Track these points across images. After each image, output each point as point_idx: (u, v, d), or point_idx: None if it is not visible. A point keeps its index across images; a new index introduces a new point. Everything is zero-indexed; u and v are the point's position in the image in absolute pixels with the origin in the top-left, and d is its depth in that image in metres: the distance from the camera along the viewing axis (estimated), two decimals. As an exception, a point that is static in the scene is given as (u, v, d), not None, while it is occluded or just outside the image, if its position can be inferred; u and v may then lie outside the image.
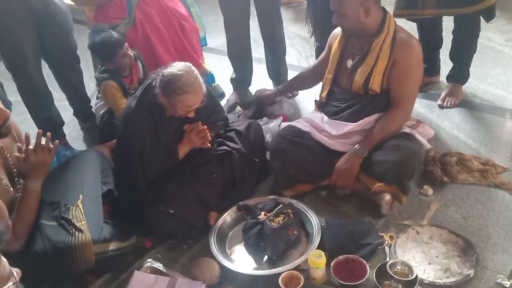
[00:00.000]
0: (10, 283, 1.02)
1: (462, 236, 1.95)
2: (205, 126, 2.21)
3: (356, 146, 2.16)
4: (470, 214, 2.10)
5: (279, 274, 1.82)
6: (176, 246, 2.12)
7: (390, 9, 2.83)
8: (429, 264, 1.86)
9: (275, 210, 2.08)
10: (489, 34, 3.61)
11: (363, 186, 2.19)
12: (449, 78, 2.93)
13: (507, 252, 1.90)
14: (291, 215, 2.06)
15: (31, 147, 1.81)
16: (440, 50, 2.98)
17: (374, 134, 2.19)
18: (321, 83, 2.48)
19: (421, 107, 2.92)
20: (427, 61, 3.02)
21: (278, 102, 2.89)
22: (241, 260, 2.01)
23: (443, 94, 2.92)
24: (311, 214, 2.09)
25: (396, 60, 2.15)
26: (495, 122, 2.70)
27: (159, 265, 1.93)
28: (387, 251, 1.93)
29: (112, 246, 1.89)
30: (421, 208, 2.15)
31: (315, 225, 2.03)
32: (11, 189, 1.84)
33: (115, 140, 2.64)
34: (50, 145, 1.85)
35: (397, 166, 2.07)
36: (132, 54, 2.73)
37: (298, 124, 2.36)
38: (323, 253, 1.81)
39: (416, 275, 1.71)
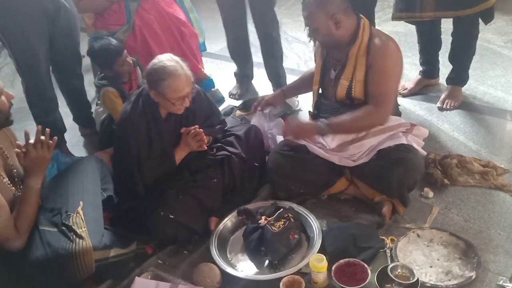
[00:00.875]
0: None
1: (463, 238, 1.94)
2: (201, 129, 2.21)
3: (323, 123, 2.20)
4: (471, 216, 2.10)
5: (280, 279, 1.81)
6: (177, 252, 2.12)
7: (390, 12, 2.84)
8: (431, 267, 1.86)
9: (275, 215, 2.07)
10: (488, 36, 3.61)
11: (363, 194, 2.20)
12: (448, 80, 2.93)
13: (509, 254, 1.89)
14: (292, 219, 2.06)
15: (31, 141, 1.82)
16: (440, 52, 2.98)
17: (344, 123, 2.17)
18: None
19: (420, 109, 2.92)
20: (427, 63, 3.04)
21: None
22: (242, 265, 2.00)
23: (442, 96, 2.92)
24: (312, 218, 2.09)
25: (372, 62, 2.14)
26: (495, 124, 2.70)
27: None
28: (388, 254, 1.92)
29: (113, 252, 1.88)
30: (423, 211, 2.15)
31: (316, 229, 2.02)
32: (13, 188, 1.85)
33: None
34: (49, 141, 1.86)
35: (400, 180, 2.07)
36: (131, 61, 2.74)
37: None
38: (324, 257, 1.81)
39: (417, 278, 1.71)
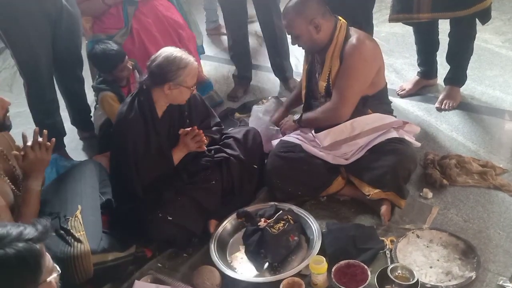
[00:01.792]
0: (54, 274, 1.14)
1: (463, 238, 1.94)
2: (200, 130, 2.21)
3: (297, 114, 2.40)
4: (471, 217, 2.10)
5: (280, 281, 1.81)
6: (176, 255, 2.12)
7: (387, 13, 2.84)
8: (431, 267, 1.86)
9: (275, 217, 2.07)
10: (486, 36, 3.62)
11: (360, 193, 2.19)
12: (446, 80, 2.93)
13: (508, 253, 1.89)
14: (291, 221, 2.05)
15: (29, 143, 1.81)
16: (437, 52, 2.98)
17: (308, 118, 2.34)
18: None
19: (419, 110, 2.92)
20: (424, 64, 3.04)
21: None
22: (242, 268, 2.00)
23: (441, 97, 2.92)
24: (312, 220, 2.09)
25: (343, 63, 2.19)
26: (493, 124, 2.70)
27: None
28: (388, 255, 1.92)
29: (111, 256, 1.88)
30: (422, 212, 2.15)
31: (315, 231, 2.02)
32: (15, 189, 1.84)
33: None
34: (47, 142, 1.85)
35: (392, 170, 2.07)
36: (130, 66, 2.74)
37: (289, 138, 2.35)
38: (324, 258, 1.81)
39: (417, 279, 1.71)
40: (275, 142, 2.42)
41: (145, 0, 2.97)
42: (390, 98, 2.97)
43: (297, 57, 3.70)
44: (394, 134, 2.17)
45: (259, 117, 2.74)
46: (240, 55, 3.40)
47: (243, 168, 2.29)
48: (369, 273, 1.78)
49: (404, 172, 2.11)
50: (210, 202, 2.19)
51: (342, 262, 1.83)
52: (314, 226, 2.04)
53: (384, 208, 2.09)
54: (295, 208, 2.16)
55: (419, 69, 3.09)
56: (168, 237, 2.10)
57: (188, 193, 2.15)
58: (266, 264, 1.97)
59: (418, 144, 2.28)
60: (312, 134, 2.33)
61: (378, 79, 2.27)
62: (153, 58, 2.11)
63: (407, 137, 2.21)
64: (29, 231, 1.08)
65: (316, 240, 1.98)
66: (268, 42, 3.31)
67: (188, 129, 2.20)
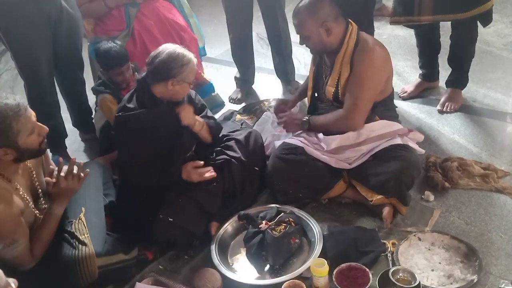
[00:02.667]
0: None
1: (465, 241, 1.94)
2: (201, 162, 2.21)
3: (305, 118, 2.33)
4: (472, 220, 2.10)
5: (281, 283, 1.80)
6: (177, 257, 2.12)
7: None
8: (432, 270, 1.85)
9: (276, 219, 2.07)
10: (488, 38, 3.61)
11: (362, 196, 2.19)
12: (448, 83, 2.93)
13: (510, 257, 1.89)
14: (293, 223, 2.05)
15: (62, 174, 1.80)
16: (439, 55, 2.98)
17: (319, 123, 2.30)
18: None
19: (421, 112, 2.92)
20: (426, 66, 3.04)
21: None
22: (243, 270, 2.00)
23: (442, 99, 2.92)
24: (313, 222, 2.08)
25: (353, 70, 2.17)
26: (495, 126, 2.70)
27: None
28: (390, 258, 1.92)
29: (115, 258, 1.89)
30: (424, 214, 2.14)
31: (317, 233, 2.02)
32: (36, 211, 1.84)
33: (115, 152, 2.65)
34: (81, 173, 1.85)
35: (396, 177, 2.07)
36: (131, 70, 2.75)
37: (292, 140, 2.34)
38: (325, 261, 1.80)
39: (419, 282, 1.70)
40: (277, 143, 2.42)
41: (147, 2, 2.98)
42: (392, 100, 2.99)
43: (298, 59, 3.70)
44: (398, 141, 2.16)
45: (267, 126, 2.76)
46: (243, 58, 3.39)
47: (245, 170, 2.30)
48: (370, 276, 1.78)
49: (407, 179, 2.10)
50: (211, 204, 2.19)
51: (344, 265, 1.83)
52: (316, 229, 2.04)
53: (386, 211, 2.08)
54: (296, 211, 2.16)
55: (421, 72, 3.09)
56: (169, 239, 2.10)
57: (189, 194, 2.15)
58: (267, 267, 1.97)
59: (422, 151, 2.27)
60: (317, 137, 2.32)
61: (386, 85, 2.27)
62: (155, 55, 2.12)
63: (411, 144, 2.19)
64: None
65: (318, 242, 1.98)
66: (272, 44, 3.31)
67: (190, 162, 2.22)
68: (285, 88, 3.42)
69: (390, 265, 1.88)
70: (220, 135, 2.45)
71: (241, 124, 2.95)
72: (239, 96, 3.41)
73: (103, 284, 1.94)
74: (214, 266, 1.96)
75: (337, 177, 2.22)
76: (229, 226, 2.18)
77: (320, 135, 2.31)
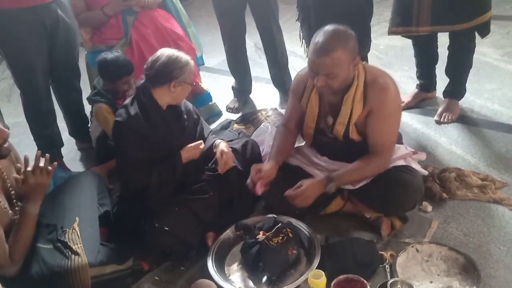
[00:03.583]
0: None
1: (463, 253, 1.92)
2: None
3: (328, 179, 2.01)
4: (471, 231, 2.09)
5: (279, 295, 1.79)
6: (173, 268, 2.10)
7: (386, 26, 2.85)
8: (431, 282, 1.84)
9: (273, 230, 2.05)
10: (485, 49, 3.63)
11: (360, 211, 2.18)
12: (445, 93, 2.94)
13: (509, 269, 1.87)
14: (290, 234, 2.03)
15: (29, 169, 1.80)
16: (436, 65, 2.99)
17: (348, 176, 2.04)
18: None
19: (418, 122, 2.92)
20: (423, 77, 3.05)
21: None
22: (240, 281, 1.98)
23: (440, 110, 2.92)
24: (311, 233, 2.07)
25: (372, 108, 2.01)
26: (493, 137, 2.70)
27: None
28: (388, 270, 1.90)
29: (109, 269, 1.87)
30: (422, 225, 2.13)
31: (314, 244, 2.00)
32: (10, 211, 1.83)
33: (111, 161, 2.64)
34: (49, 167, 1.84)
35: (398, 201, 2.05)
36: (133, 84, 2.74)
37: (290, 159, 2.29)
38: (323, 273, 1.78)
39: (418, 294, 1.69)
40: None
41: (145, 10, 2.99)
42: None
43: (295, 68, 3.71)
44: (401, 162, 2.10)
45: (265, 137, 2.73)
46: (239, 69, 3.41)
47: (242, 180, 2.28)
48: (368, 287, 1.76)
49: (409, 204, 2.08)
50: (207, 214, 2.17)
51: (341, 277, 1.81)
52: (314, 240, 2.02)
53: (383, 224, 2.08)
54: (294, 221, 2.14)
55: (418, 82, 3.10)
56: (165, 248, 2.08)
57: (185, 203, 2.14)
58: (265, 278, 1.95)
59: (425, 172, 2.21)
60: (317, 158, 2.26)
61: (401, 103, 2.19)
62: (154, 59, 2.13)
63: (413, 165, 2.13)
64: None
65: (315, 254, 1.96)
66: (268, 55, 3.32)
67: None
68: (283, 98, 3.42)
69: (388, 276, 1.87)
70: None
71: (238, 134, 2.95)
72: (236, 105, 3.41)
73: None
74: (210, 277, 1.94)
75: (334, 194, 2.14)
76: (226, 237, 2.15)
77: (323, 163, 2.24)
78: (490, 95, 3.11)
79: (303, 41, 2.82)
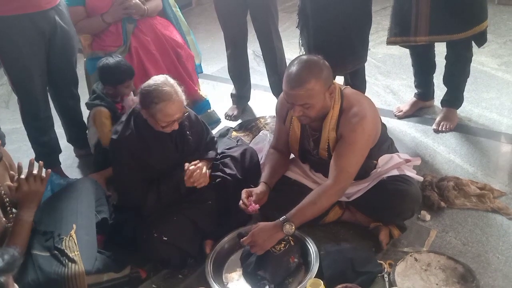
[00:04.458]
0: None
1: (461, 262, 1.92)
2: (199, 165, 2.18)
3: (284, 222, 1.93)
4: (469, 240, 2.09)
5: (277, 304, 1.78)
6: (171, 276, 2.09)
7: (385, 34, 2.87)
8: (429, 291, 1.84)
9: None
10: (482, 59, 3.65)
11: (358, 220, 2.19)
12: (443, 102, 2.95)
13: (508, 278, 1.87)
14: (292, 242, 2.02)
15: (23, 176, 1.78)
16: (434, 74, 3.00)
17: (304, 210, 1.96)
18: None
19: (416, 131, 2.93)
20: (421, 85, 3.06)
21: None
22: (238, 290, 1.97)
23: (438, 119, 2.93)
24: (309, 241, 2.06)
25: (341, 134, 2.00)
26: (491, 146, 2.71)
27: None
28: (386, 279, 1.90)
29: (106, 277, 1.85)
30: (420, 234, 2.13)
31: (313, 253, 1.99)
32: (3, 219, 1.81)
33: (109, 168, 2.63)
34: (43, 174, 1.83)
35: (397, 213, 2.05)
36: (133, 86, 2.74)
37: (287, 173, 2.29)
38: (321, 281, 1.78)
39: (416, 304, 1.69)
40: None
41: (144, 18, 2.99)
42: (387, 119, 3.00)
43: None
44: (394, 172, 2.07)
45: (263, 145, 2.73)
46: (239, 75, 3.41)
47: (240, 188, 2.27)
48: (367, 296, 1.76)
49: (407, 213, 2.08)
50: (206, 223, 2.17)
51: (340, 286, 1.80)
52: (312, 248, 2.02)
53: (382, 233, 2.08)
54: (293, 230, 2.13)
55: (416, 91, 3.11)
56: (163, 258, 2.08)
57: (184, 213, 2.13)
58: (264, 286, 1.93)
59: (421, 178, 2.19)
60: (312, 174, 2.27)
61: (377, 134, 2.10)
62: (148, 81, 2.07)
63: (408, 172, 2.10)
64: None
65: (314, 262, 1.95)
66: (267, 62, 3.32)
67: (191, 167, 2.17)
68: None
69: (387, 285, 1.87)
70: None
71: (237, 141, 2.95)
72: (235, 113, 3.41)
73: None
74: (208, 286, 1.93)
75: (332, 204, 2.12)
76: (224, 244, 2.14)
77: (318, 179, 2.24)
78: (488, 104, 3.12)
79: (302, 48, 2.83)
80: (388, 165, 2.12)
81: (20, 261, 1.10)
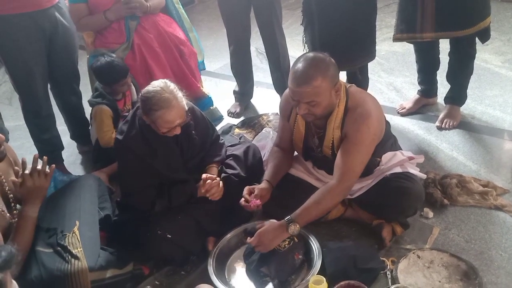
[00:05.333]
0: None
1: (464, 259, 1.92)
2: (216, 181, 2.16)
3: (289, 222, 1.93)
4: (472, 237, 2.08)
5: (279, 301, 1.78)
6: (174, 273, 2.09)
7: (390, 31, 2.86)
8: (432, 289, 1.83)
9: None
10: (486, 56, 3.64)
11: (360, 217, 2.18)
12: (446, 99, 2.94)
13: (510, 275, 1.87)
14: (296, 239, 2.02)
15: (27, 171, 1.79)
16: (438, 71, 2.99)
17: (309, 210, 1.95)
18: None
19: (419, 128, 2.92)
20: (424, 82, 3.05)
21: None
22: (241, 286, 1.97)
23: (441, 116, 2.92)
24: (312, 238, 2.06)
25: (346, 133, 1.99)
26: (494, 144, 2.70)
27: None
28: (389, 276, 1.90)
29: (109, 273, 1.85)
30: (423, 232, 2.13)
31: (316, 250, 1.99)
32: (8, 215, 1.82)
33: (112, 165, 2.63)
34: (47, 169, 1.83)
35: (400, 210, 2.05)
36: (131, 83, 2.75)
37: (290, 170, 2.29)
38: (324, 278, 1.78)
39: (419, 301, 1.68)
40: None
41: (147, 15, 2.99)
42: (390, 116, 2.99)
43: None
44: (398, 169, 2.07)
45: (266, 142, 2.73)
46: (242, 72, 3.41)
47: (244, 186, 2.27)
48: (369, 294, 1.76)
49: (410, 211, 2.08)
50: (209, 221, 2.17)
51: (343, 283, 1.80)
52: (315, 245, 2.01)
53: (385, 230, 2.07)
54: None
55: (419, 88, 3.10)
56: (166, 255, 2.08)
57: (187, 211, 2.14)
58: (267, 283, 1.93)
59: (423, 176, 2.18)
60: (315, 171, 2.27)
61: (381, 133, 2.10)
62: (148, 87, 2.04)
63: (411, 170, 2.10)
64: None
65: (316, 259, 1.95)
66: (270, 59, 3.32)
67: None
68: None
69: (389, 283, 1.86)
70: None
71: (240, 138, 2.94)
72: (237, 110, 3.41)
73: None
74: (211, 282, 1.93)
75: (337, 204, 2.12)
76: (227, 241, 2.15)
77: (321, 176, 2.25)
78: (491, 101, 3.11)
79: (306, 45, 2.82)
80: (391, 162, 2.12)
81: (18, 258, 1.10)
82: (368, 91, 2.65)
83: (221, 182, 2.18)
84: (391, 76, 3.65)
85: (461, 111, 2.94)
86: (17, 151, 2.04)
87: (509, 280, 1.84)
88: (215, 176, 2.19)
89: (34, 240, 1.84)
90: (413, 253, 1.98)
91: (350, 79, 2.85)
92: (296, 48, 4.12)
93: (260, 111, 3.40)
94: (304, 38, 2.82)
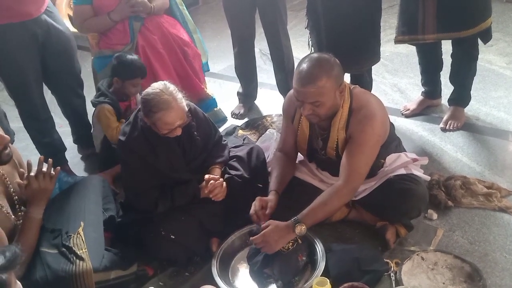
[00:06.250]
0: None
1: (468, 261, 1.91)
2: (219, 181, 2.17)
3: (296, 223, 1.92)
4: (476, 239, 2.08)
5: (283, 302, 1.78)
6: (178, 274, 2.10)
7: (392, 32, 2.85)
8: (436, 291, 1.83)
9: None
10: (490, 57, 3.63)
11: (364, 219, 2.18)
12: (450, 101, 2.93)
13: (515, 278, 1.87)
14: (299, 240, 2.02)
15: (32, 173, 1.80)
16: (441, 73, 2.98)
17: (316, 211, 1.95)
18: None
19: (423, 130, 2.91)
20: (428, 84, 3.05)
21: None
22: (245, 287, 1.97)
23: (445, 117, 2.92)
24: (316, 240, 2.06)
25: (351, 134, 2.00)
26: (498, 145, 2.69)
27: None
28: (393, 278, 1.90)
29: (113, 274, 1.86)
30: (427, 233, 2.13)
31: (319, 251, 1.99)
32: (12, 216, 1.83)
33: (116, 166, 2.64)
34: (52, 171, 1.84)
35: (404, 212, 2.05)
36: (141, 89, 2.75)
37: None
38: (328, 280, 1.78)
39: (423, 303, 1.68)
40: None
41: (151, 17, 3.00)
42: (394, 118, 2.99)
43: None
44: (402, 171, 2.07)
45: (270, 143, 2.72)
46: (246, 73, 3.42)
47: (247, 187, 2.28)
48: (373, 295, 1.76)
49: (414, 212, 2.07)
50: (213, 222, 2.18)
51: (346, 284, 1.80)
52: (319, 247, 2.02)
53: (389, 232, 2.07)
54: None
55: (423, 89, 3.09)
56: (170, 256, 2.09)
57: (191, 212, 2.14)
58: (270, 284, 1.94)
59: (428, 177, 2.18)
60: (319, 173, 2.27)
61: (386, 134, 2.09)
62: (149, 88, 2.05)
63: (415, 172, 2.10)
64: None
65: (320, 261, 1.95)
66: (274, 60, 3.32)
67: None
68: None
69: (393, 285, 1.86)
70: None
71: (243, 140, 2.95)
72: (241, 111, 3.42)
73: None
74: (215, 283, 1.93)
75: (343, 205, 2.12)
76: (231, 242, 2.15)
77: (325, 178, 2.25)
78: (496, 102, 3.10)
79: (312, 48, 2.82)
80: (396, 164, 2.12)
81: (22, 258, 1.10)
82: (372, 92, 2.65)
83: (224, 182, 2.19)
84: (395, 77, 3.64)
85: (465, 113, 2.93)
86: (22, 152, 2.05)
87: (514, 283, 1.84)
88: (218, 176, 2.19)
89: (39, 241, 1.85)
90: (417, 255, 1.97)
91: (355, 81, 2.85)
92: (300, 50, 4.13)
93: (264, 113, 3.41)
94: (310, 41, 2.82)
